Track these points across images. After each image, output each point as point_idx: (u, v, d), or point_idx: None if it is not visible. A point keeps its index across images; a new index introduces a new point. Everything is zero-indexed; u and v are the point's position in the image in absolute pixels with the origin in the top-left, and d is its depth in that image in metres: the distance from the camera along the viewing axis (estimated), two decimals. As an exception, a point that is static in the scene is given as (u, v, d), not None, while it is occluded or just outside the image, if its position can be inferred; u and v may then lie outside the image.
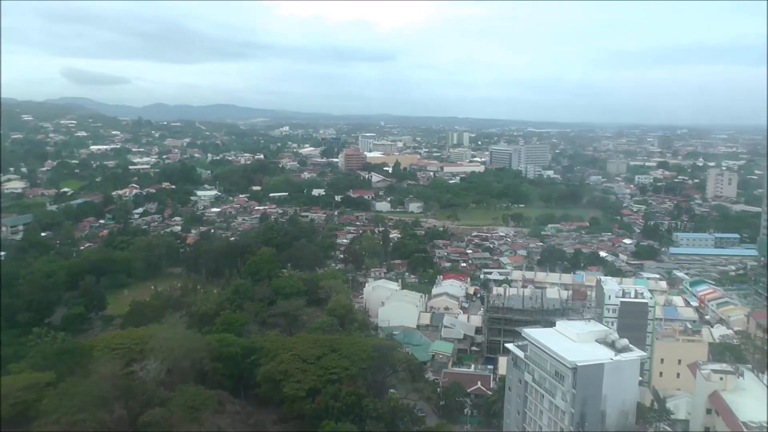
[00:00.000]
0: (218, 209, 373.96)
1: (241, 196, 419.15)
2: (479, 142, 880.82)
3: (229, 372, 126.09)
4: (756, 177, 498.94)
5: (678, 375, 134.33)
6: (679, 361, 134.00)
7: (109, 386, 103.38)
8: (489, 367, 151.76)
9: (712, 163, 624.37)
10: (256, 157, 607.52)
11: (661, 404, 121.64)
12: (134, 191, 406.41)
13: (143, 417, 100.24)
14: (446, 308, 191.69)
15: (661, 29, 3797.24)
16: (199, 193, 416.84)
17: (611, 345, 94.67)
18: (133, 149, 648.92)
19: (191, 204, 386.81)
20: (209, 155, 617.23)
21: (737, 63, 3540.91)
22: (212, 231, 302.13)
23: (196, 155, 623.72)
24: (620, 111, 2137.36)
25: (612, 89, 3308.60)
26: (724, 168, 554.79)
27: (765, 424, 79.10)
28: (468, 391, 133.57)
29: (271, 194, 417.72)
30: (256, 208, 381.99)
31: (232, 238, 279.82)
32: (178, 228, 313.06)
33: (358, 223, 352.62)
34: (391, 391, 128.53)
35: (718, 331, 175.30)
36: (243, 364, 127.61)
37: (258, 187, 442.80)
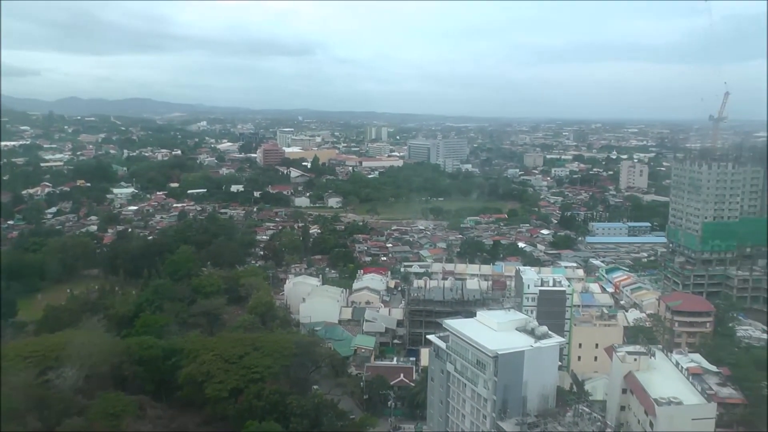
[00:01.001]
0: (135, 207, 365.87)
1: (158, 193, 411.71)
2: (398, 137, 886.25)
3: (150, 376, 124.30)
4: (664, 168, 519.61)
5: (595, 358, 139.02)
6: (596, 345, 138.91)
7: (22, 397, 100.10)
8: (411, 359, 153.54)
9: (624, 156, 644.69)
10: (173, 153, 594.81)
11: (579, 387, 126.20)
12: (46, 190, 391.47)
13: (60, 428, 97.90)
14: (367, 302, 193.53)
15: (574, 27, 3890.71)
16: (115, 190, 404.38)
17: (531, 332, 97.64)
18: (45, 145, 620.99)
19: (107, 202, 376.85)
20: (125, 151, 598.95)
21: (647, 60, 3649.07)
22: (130, 230, 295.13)
23: (111, 151, 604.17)
24: (536, 106, 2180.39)
25: (528, 84, 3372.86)
26: (635, 160, 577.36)
27: (673, 399, 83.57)
28: (391, 383, 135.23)
29: (189, 191, 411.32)
30: (175, 205, 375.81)
31: (151, 237, 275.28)
32: (94, 228, 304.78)
33: (277, 219, 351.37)
34: (315, 387, 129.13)
35: (633, 315, 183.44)
36: (164, 366, 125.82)
37: (176, 184, 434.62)
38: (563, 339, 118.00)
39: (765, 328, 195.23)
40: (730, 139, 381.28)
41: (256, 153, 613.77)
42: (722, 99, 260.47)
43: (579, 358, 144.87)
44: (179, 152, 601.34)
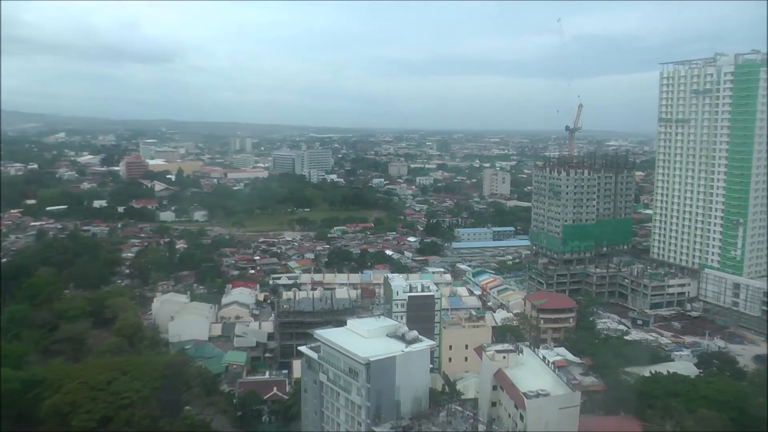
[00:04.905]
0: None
1: (13, 211, 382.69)
2: (262, 148, 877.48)
3: (6, 411, 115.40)
4: (525, 176, 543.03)
5: (466, 359, 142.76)
6: (466, 346, 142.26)
7: None
8: (284, 371, 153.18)
9: (487, 164, 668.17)
10: (28, 167, 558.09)
11: (451, 387, 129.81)
12: None
13: None
14: (237, 317, 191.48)
15: (432, 42, 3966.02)
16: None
17: (401, 338, 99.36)
18: None
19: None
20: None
21: (505, 74, 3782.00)
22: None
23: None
24: (399, 117, 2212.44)
25: (389, 96, 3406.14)
26: (498, 168, 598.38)
27: (541, 391, 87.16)
28: (264, 398, 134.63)
29: (47, 208, 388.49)
30: (32, 224, 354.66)
31: (5, 259, 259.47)
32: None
33: (142, 235, 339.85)
34: (187, 408, 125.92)
35: (500, 315, 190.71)
36: (24, 400, 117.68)
37: (33, 201, 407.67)
38: (434, 342, 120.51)
39: (620, 319, 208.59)
40: (585, 147, 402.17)
41: (118, 166, 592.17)
42: (577, 111, 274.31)
43: (450, 359, 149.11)
44: (35, 166, 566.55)
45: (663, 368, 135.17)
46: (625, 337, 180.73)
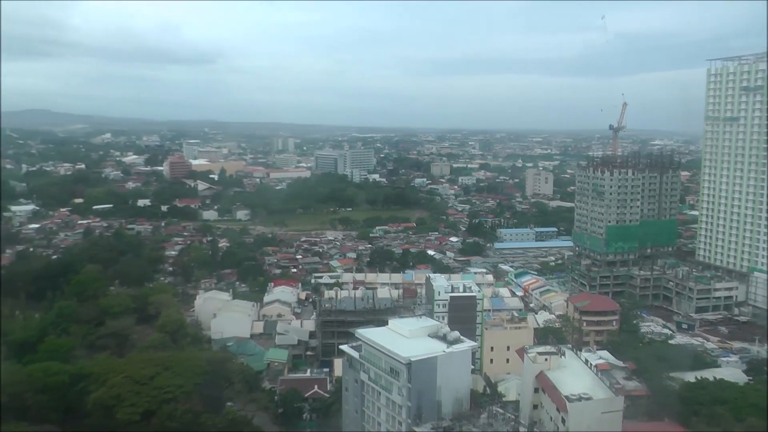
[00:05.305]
0: (37, 225, 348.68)
1: (62, 209, 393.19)
2: (304, 148, 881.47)
3: (55, 404, 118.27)
4: (568, 176, 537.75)
5: (507, 360, 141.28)
6: (508, 348, 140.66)
7: None
8: (325, 370, 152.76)
9: (529, 164, 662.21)
10: (76, 167, 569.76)
11: (492, 388, 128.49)
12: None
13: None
14: (279, 315, 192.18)
15: (469, 41, 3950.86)
16: (13, 208, 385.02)
17: (443, 338, 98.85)
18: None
19: (5, 221, 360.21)
20: (24, 166, 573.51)
21: (548, 73, 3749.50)
22: (31, 250, 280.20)
23: (8, 166, 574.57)
24: (441, 116, 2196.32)
25: (431, 95, 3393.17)
26: (540, 168, 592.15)
27: (583, 395, 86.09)
28: (305, 395, 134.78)
29: (94, 207, 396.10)
30: (79, 222, 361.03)
31: (54, 257, 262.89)
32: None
33: (185, 233, 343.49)
34: (228, 404, 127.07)
35: (542, 317, 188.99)
36: (71, 393, 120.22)
37: (80, 200, 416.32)
38: (475, 343, 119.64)
39: (665, 323, 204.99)
40: (629, 147, 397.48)
41: (162, 166, 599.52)
42: (621, 109, 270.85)
43: (491, 360, 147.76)
44: (83, 166, 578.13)
45: (709, 374, 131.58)
46: (670, 342, 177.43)
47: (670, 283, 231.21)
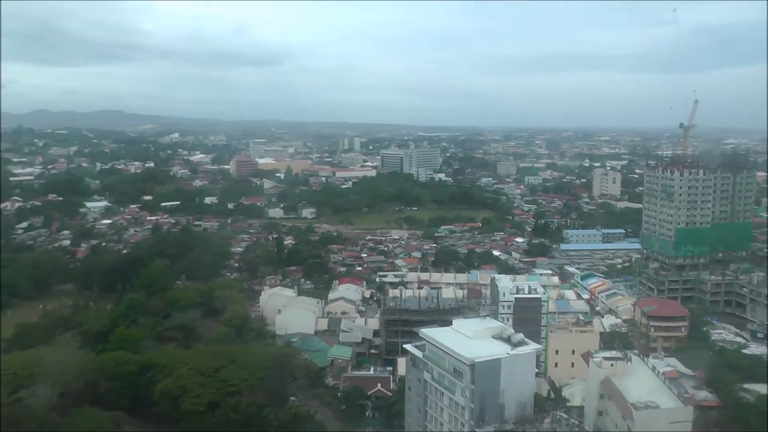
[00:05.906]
0: (109, 221, 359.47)
1: (132, 206, 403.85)
2: (370, 147, 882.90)
3: (125, 391, 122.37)
4: (637, 176, 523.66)
5: (572, 364, 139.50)
6: (573, 351, 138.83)
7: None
8: (388, 368, 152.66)
9: (597, 164, 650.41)
10: (146, 165, 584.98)
11: (557, 393, 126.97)
12: (17, 205, 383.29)
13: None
14: (343, 313, 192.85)
15: (539, 38, 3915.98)
16: (88, 204, 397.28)
17: (507, 340, 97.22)
18: (14, 159, 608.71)
19: (80, 216, 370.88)
20: (98, 164, 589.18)
21: (616, 70, 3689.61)
22: (103, 244, 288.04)
23: (84, 165, 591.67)
24: (507, 115, 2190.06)
25: (498, 94, 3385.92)
26: (608, 168, 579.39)
27: (650, 403, 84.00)
28: (368, 393, 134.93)
29: (162, 204, 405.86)
30: (148, 218, 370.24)
31: (125, 251, 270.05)
32: (67, 242, 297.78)
33: (251, 230, 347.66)
34: (292, 399, 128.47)
35: (608, 321, 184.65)
36: (139, 381, 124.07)
37: (149, 197, 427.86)
38: (540, 346, 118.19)
39: (737, 331, 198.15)
40: (700, 146, 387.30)
41: (229, 164, 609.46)
42: (692, 107, 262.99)
43: (556, 364, 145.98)
44: (152, 165, 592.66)
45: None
46: (743, 351, 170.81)
47: (744, 289, 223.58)
